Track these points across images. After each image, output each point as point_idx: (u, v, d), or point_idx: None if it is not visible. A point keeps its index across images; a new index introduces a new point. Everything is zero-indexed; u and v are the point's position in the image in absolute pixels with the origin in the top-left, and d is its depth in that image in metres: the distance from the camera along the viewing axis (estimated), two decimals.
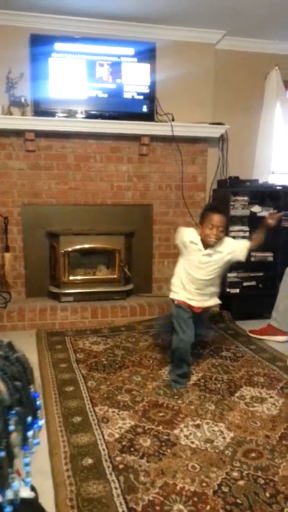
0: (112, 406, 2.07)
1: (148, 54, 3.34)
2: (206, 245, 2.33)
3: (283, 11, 3.11)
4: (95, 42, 3.27)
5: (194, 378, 2.38)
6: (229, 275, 3.50)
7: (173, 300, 2.41)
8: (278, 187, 3.56)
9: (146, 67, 3.34)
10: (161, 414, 2.01)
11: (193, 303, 2.38)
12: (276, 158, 3.93)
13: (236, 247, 2.38)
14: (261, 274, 3.57)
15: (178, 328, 2.33)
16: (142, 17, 3.24)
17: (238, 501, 1.45)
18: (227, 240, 2.40)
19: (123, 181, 3.53)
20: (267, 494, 1.49)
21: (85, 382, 2.32)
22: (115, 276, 3.51)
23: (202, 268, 2.35)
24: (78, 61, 3.24)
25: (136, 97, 3.36)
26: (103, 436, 1.83)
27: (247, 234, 3.47)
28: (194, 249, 2.35)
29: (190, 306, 2.37)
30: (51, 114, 3.23)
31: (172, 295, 2.42)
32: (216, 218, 2.28)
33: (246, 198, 3.46)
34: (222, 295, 3.49)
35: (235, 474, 1.59)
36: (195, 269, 2.35)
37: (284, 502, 1.45)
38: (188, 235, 2.37)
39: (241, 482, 1.55)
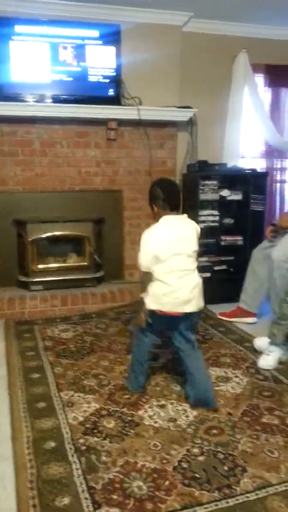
0: (78, 391, 2.06)
1: (113, 36, 3.28)
2: None
3: None
4: (57, 24, 3.19)
5: (161, 361, 2.38)
6: (201, 259, 3.50)
7: None
8: (246, 171, 3.57)
9: (111, 49, 3.28)
10: (126, 397, 2.01)
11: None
12: (245, 142, 3.94)
13: None
14: (231, 258, 3.59)
15: None
16: None
17: (197, 475, 1.47)
18: None
19: (91, 166, 3.48)
20: (226, 468, 1.51)
21: (51, 369, 2.30)
22: (86, 263, 3.48)
23: None
24: (41, 44, 3.16)
25: (102, 80, 3.30)
26: (67, 419, 1.82)
27: (217, 218, 3.49)
28: None
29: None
30: (15, 99, 3.14)
31: None
32: None
33: (215, 182, 3.46)
34: None
35: (195, 450, 1.61)
36: None
37: (241, 474, 1.47)
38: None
39: (201, 458, 1.56)
